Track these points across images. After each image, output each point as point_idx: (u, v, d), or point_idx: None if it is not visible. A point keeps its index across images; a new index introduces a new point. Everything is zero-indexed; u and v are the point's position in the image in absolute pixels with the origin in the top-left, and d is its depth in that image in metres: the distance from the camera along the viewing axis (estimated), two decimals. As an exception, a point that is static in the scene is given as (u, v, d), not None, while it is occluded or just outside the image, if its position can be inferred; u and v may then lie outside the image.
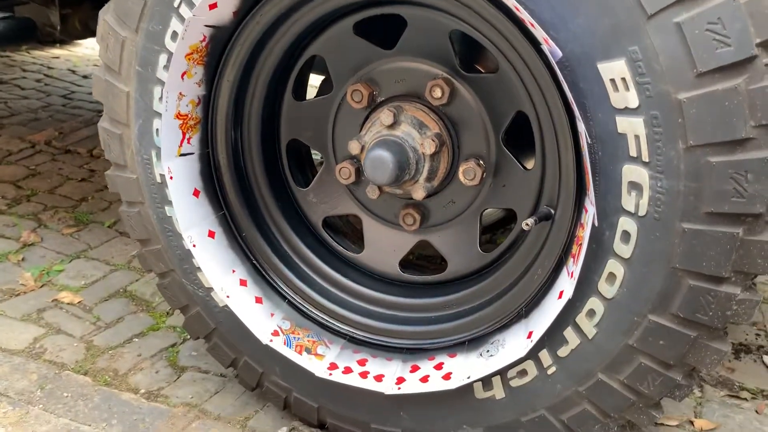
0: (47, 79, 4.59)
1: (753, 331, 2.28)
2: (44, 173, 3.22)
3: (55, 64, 4.93)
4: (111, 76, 1.65)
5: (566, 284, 1.37)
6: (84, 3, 2.70)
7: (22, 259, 2.55)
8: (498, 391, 1.51)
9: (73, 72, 4.78)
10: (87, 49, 5.30)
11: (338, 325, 1.71)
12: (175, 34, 1.51)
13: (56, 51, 5.25)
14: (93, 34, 2.72)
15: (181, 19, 1.49)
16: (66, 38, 3.06)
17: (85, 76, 4.66)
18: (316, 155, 2.11)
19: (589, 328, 1.37)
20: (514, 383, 1.49)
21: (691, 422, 1.88)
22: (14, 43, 3.53)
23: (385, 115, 1.53)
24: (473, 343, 1.57)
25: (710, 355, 1.31)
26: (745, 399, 1.97)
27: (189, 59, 1.53)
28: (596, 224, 1.30)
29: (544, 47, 1.23)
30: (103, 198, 3.01)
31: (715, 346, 1.30)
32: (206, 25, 1.50)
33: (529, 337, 1.43)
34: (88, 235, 2.74)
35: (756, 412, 1.92)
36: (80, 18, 2.74)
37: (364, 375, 1.61)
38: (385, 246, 1.74)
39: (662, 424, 1.86)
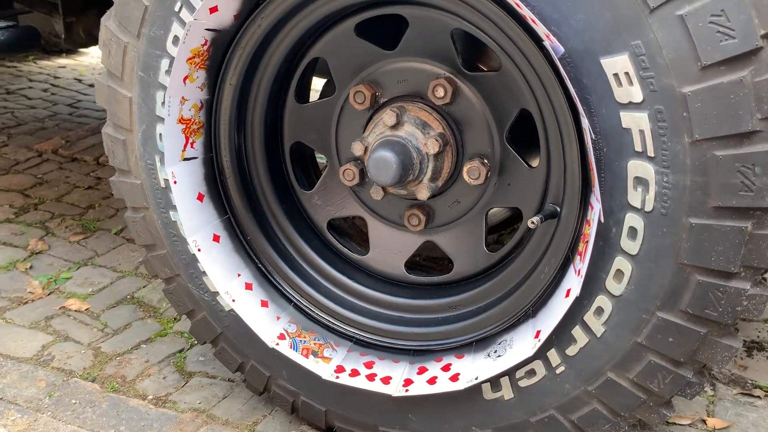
0: (54, 89, 4.62)
1: (765, 328, 2.26)
2: (51, 182, 3.23)
3: (61, 73, 4.96)
4: (114, 81, 1.66)
5: (573, 282, 1.36)
6: (88, 11, 2.71)
7: (30, 267, 2.56)
8: (506, 392, 1.50)
9: (80, 81, 4.80)
10: (93, 58, 5.33)
11: (344, 327, 1.70)
12: (176, 39, 1.51)
13: (63, 60, 5.29)
14: (98, 42, 2.73)
15: (182, 23, 1.49)
16: (71, 47, 3.08)
17: (91, 85, 4.68)
18: (321, 158, 2.11)
19: (597, 326, 1.36)
20: (523, 383, 1.48)
21: (704, 421, 1.86)
22: (18, 52, 3.56)
23: (388, 116, 1.52)
24: (481, 343, 1.55)
25: (721, 351, 1.30)
26: (759, 397, 1.95)
27: (191, 63, 1.53)
28: (602, 221, 1.29)
29: (546, 43, 1.22)
30: (110, 205, 3.02)
31: (725, 343, 1.29)
32: (207, 29, 1.50)
33: (536, 336, 1.42)
34: (95, 242, 2.75)
35: (769, 409, 1.90)
36: (84, 26, 2.75)
37: (371, 377, 1.60)
38: (390, 247, 1.73)
39: (674, 423, 1.84)
